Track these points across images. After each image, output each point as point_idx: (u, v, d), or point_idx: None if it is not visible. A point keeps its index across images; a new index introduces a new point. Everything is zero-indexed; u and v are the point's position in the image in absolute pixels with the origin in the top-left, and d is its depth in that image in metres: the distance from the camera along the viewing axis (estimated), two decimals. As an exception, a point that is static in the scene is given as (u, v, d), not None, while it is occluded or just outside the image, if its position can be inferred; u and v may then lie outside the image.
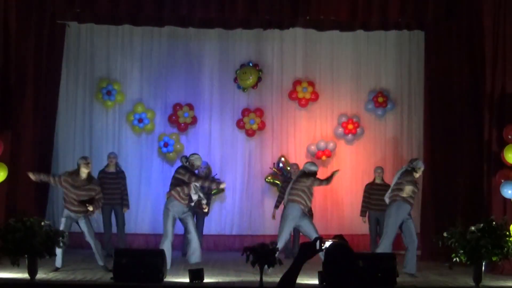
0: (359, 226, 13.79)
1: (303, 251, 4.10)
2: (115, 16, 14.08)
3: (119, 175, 13.17)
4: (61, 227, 10.81)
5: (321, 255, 4.19)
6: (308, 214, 11.69)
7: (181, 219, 11.39)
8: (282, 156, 14.69)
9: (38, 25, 13.03)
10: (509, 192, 11.17)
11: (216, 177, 14.05)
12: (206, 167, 13.32)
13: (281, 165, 14.53)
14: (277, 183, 14.19)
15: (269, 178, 14.50)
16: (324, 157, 14.72)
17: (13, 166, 11.67)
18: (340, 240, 4.14)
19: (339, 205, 14.85)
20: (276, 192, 14.03)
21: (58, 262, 10.90)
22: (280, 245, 10.96)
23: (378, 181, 13.18)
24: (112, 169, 13.14)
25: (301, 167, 12.26)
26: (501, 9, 11.84)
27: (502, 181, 11.32)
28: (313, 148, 14.83)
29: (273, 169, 14.51)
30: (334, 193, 14.65)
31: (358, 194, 13.78)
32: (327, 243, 4.07)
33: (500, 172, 11.42)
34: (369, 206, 13.14)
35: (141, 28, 14.76)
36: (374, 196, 12.98)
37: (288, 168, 14.06)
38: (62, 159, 14.52)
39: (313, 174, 11.58)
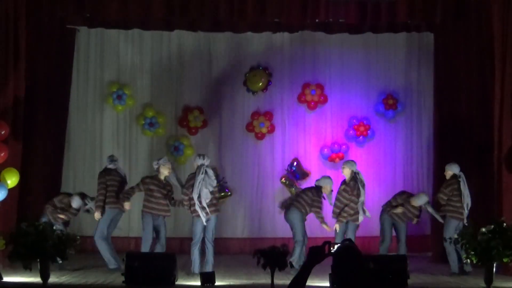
0: (373, 227, 13.70)
1: (312, 255, 4.12)
2: (125, 21, 14.16)
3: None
4: (148, 232, 11.22)
5: None
6: None
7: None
8: (296, 159, 14.69)
9: (49, 30, 13.11)
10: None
11: (224, 180, 14.11)
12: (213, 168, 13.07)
13: (294, 168, 14.54)
14: (292, 185, 14.23)
15: (284, 179, 14.52)
16: (337, 160, 14.71)
17: (25, 171, 11.73)
18: (349, 243, 4.16)
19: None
20: (288, 194, 14.05)
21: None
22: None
23: None
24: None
25: (312, 172, 12.36)
26: (510, 11, 11.81)
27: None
28: (326, 150, 14.83)
29: (287, 170, 14.52)
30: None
31: (369, 196, 13.72)
32: (336, 246, 4.10)
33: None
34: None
35: (151, 32, 14.84)
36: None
37: (302, 170, 14.13)
38: (73, 163, 14.59)
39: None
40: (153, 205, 11.33)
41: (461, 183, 11.40)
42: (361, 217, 11.57)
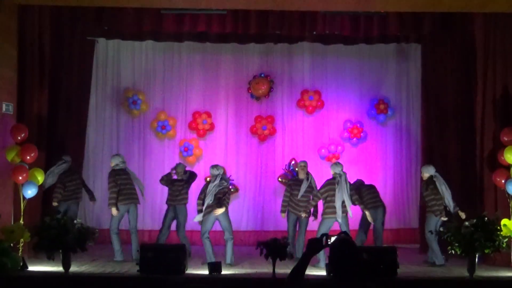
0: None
1: (310, 246, 4.14)
2: (139, 33, 14.19)
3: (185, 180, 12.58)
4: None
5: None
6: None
7: None
8: (293, 159, 14.70)
9: (70, 41, 13.13)
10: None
11: (231, 178, 14.09)
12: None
13: (291, 167, 14.54)
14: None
15: (281, 178, 14.53)
16: (333, 159, 14.73)
17: (48, 170, 11.76)
18: (344, 236, 4.18)
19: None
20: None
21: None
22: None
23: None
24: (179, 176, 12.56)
25: (310, 171, 12.26)
26: (491, 24, 11.83)
27: (502, 180, 11.21)
28: (323, 151, 14.83)
29: (285, 169, 14.54)
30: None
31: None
32: (333, 239, 4.11)
33: (497, 171, 11.35)
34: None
35: (163, 43, 14.87)
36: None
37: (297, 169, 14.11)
38: (92, 164, 14.61)
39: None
40: None
41: (437, 183, 11.35)
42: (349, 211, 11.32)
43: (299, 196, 11.95)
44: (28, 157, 11.02)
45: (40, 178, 11.24)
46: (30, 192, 10.99)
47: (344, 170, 11.23)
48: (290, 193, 12.14)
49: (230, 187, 14.08)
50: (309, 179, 12.07)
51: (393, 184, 15.00)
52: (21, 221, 10.78)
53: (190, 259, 11.04)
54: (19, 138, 11.04)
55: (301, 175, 12.18)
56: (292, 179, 12.94)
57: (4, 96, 10.80)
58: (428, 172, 11.50)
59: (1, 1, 10.66)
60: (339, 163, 11.41)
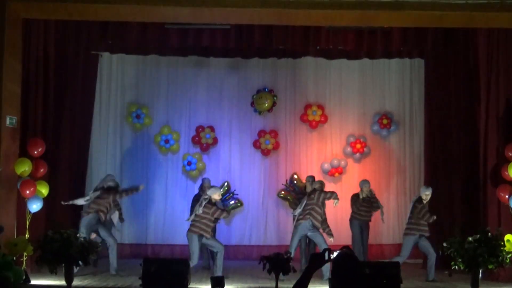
0: (371, 236, 13.64)
1: (313, 261, 4.13)
2: (143, 47, 14.23)
3: None
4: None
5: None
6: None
7: None
8: (295, 173, 14.69)
9: (74, 55, 13.17)
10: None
11: (235, 193, 14.09)
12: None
13: (295, 182, 14.52)
14: (288, 199, 14.23)
15: (281, 193, 14.51)
16: (336, 174, 14.73)
17: (52, 184, 11.75)
18: (347, 250, 4.17)
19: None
20: (288, 206, 14.10)
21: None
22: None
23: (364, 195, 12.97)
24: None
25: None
26: (494, 39, 11.84)
27: (506, 195, 11.18)
28: (326, 166, 14.82)
29: (286, 185, 14.49)
30: (344, 207, 14.52)
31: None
32: (335, 253, 4.10)
33: (501, 187, 11.32)
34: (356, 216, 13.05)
35: (167, 57, 14.91)
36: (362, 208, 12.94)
37: (300, 184, 14.10)
38: (95, 178, 14.57)
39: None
40: None
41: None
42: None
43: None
44: (38, 172, 11.15)
45: (44, 191, 11.24)
46: (35, 206, 11.00)
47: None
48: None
49: (234, 201, 14.16)
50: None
51: (396, 198, 14.97)
52: (27, 235, 10.78)
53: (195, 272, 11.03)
54: (35, 152, 11.16)
55: (308, 189, 12.33)
56: (301, 193, 13.00)
57: (8, 110, 10.82)
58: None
59: (7, 16, 10.70)
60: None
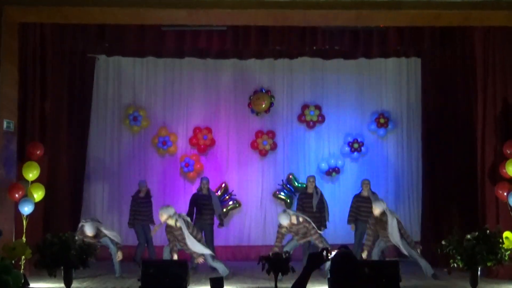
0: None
1: (311, 261, 4.12)
2: (140, 50, 14.23)
3: (149, 200, 13.23)
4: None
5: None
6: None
7: None
8: (291, 174, 14.69)
9: (71, 58, 13.17)
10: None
11: (233, 193, 14.08)
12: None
13: (287, 181, 14.53)
14: (284, 199, 14.25)
15: (277, 194, 14.51)
16: (334, 174, 14.73)
17: (50, 187, 11.75)
18: (345, 250, 4.16)
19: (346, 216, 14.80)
20: (285, 207, 14.10)
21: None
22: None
23: (365, 194, 12.97)
24: (142, 194, 13.18)
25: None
26: (490, 38, 11.85)
27: (504, 193, 11.17)
28: (323, 165, 14.82)
29: (282, 185, 14.50)
30: (342, 206, 14.52)
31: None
32: (333, 253, 4.10)
33: (499, 184, 11.31)
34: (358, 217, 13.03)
35: (164, 59, 14.91)
36: (362, 209, 12.89)
37: (296, 184, 14.14)
38: (93, 180, 14.59)
39: None
40: None
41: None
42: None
43: (314, 209, 12.30)
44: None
45: (38, 194, 11.18)
46: (26, 209, 10.92)
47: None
48: (302, 207, 12.43)
49: (233, 202, 14.18)
50: (318, 192, 12.51)
51: (394, 198, 14.96)
52: (23, 238, 10.76)
53: (194, 273, 11.03)
54: (35, 155, 11.18)
55: (310, 189, 12.40)
56: (302, 193, 13.01)
57: (5, 114, 10.81)
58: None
59: (3, 20, 10.69)
60: None
